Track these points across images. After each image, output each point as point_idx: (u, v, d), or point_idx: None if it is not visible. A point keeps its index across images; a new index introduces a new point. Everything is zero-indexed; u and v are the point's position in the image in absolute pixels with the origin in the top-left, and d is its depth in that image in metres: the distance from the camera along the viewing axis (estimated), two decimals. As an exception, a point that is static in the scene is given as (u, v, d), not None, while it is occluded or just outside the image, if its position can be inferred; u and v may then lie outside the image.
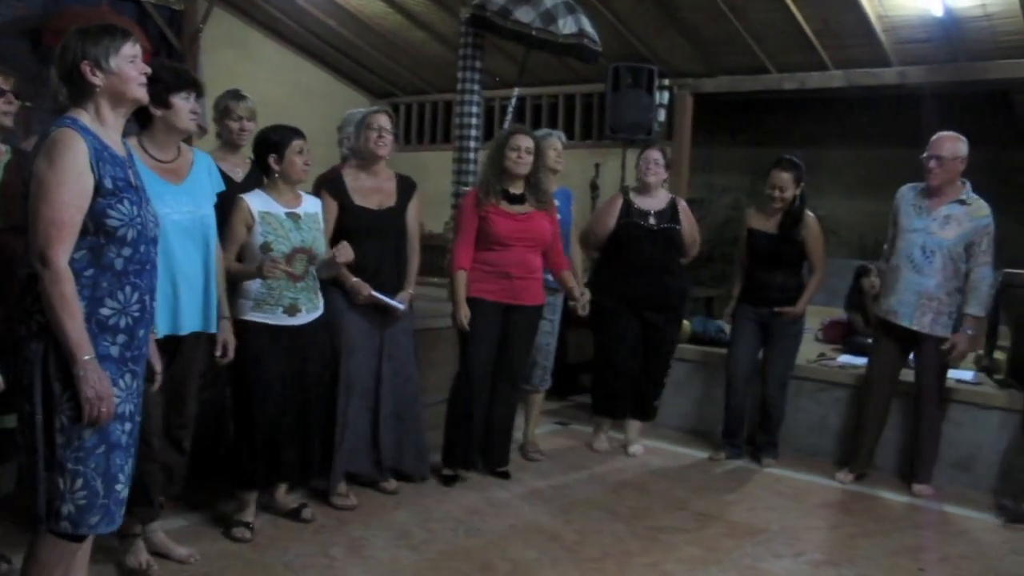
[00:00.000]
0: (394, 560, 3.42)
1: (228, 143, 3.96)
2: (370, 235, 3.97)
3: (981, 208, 4.47)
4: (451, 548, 3.58)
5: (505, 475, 4.51)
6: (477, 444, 4.43)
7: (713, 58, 7.58)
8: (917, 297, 4.48)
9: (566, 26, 5.83)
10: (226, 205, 3.44)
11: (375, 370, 4.06)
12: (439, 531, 3.75)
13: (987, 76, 6.72)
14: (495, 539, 3.70)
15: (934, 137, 4.57)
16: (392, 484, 4.19)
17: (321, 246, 3.65)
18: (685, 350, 5.73)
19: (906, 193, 4.69)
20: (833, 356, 5.50)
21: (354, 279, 3.91)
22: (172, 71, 3.04)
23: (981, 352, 5.27)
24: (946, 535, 4.06)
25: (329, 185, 4.02)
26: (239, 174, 3.89)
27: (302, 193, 3.68)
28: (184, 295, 3.09)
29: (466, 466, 4.43)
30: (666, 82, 7.83)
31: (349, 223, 3.95)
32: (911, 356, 4.68)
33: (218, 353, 3.30)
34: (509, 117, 6.74)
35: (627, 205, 4.94)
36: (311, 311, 3.62)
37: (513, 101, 6.64)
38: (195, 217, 3.13)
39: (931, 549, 3.88)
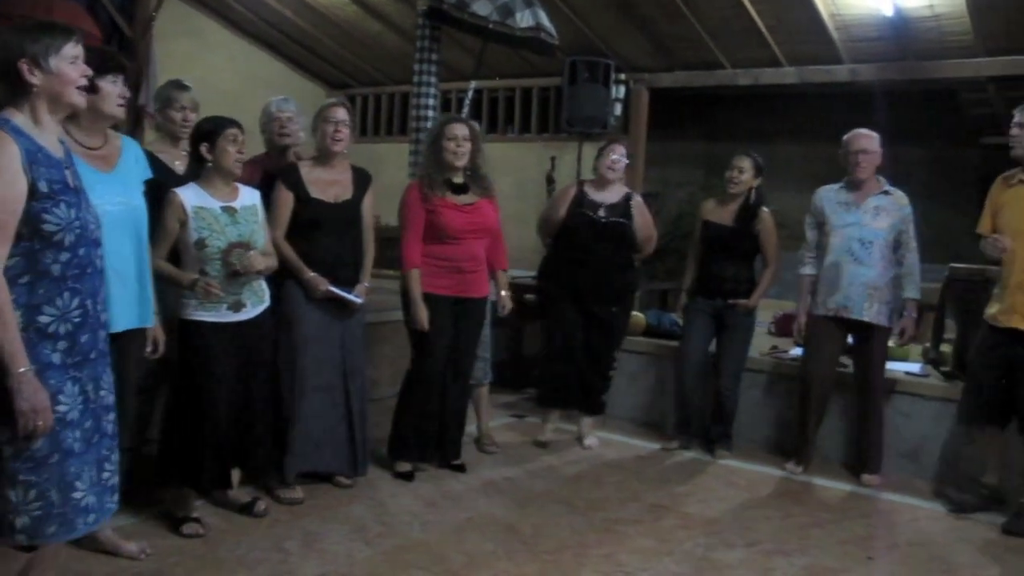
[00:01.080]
0: (349, 554, 3.41)
1: (170, 134, 3.85)
2: (326, 228, 3.94)
3: (902, 197, 4.68)
4: (407, 541, 3.57)
5: (461, 468, 4.51)
6: (431, 438, 4.42)
7: (669, 53, 7.64)
8: (864, 288, 4.58)
9: (523, 19, 5.83)
10: (163, 198, 3.35)
11: (339, 364, 4.01)
12: (394, 524, 3.75)
13: (935, 75, 6.86)
14: (451, 532, 3.71)
15: (853, 134, 4.70)
16: (351, 479, 4.15)
17: (260, 239, 3.56)
18: (639, 343, 5.77)
19: (826, 193, 4.79)
20: (785, 349, 5.58)
21: (311, 274, 3.87)
22: (99, 54, 2.89)
23: (928, 345, 5.38)
24: (895, 524, 4.15)
25: (285, 176, 3.96)
26: (179, 167, 3.78)
27: (239, 185, 3.58)
28: (117, 290, 2.97)
29: (421, 460, 4.42)
30: (622, 76, 7.89)
31: (305, 216, 3.91)
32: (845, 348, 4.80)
33: (148, 349, 3.21)
34: (466, 110, 6.72)
35: (580, 196, 4.95)
36: (256, 304, 3.55)
37: (469, 94, 6.63)
38: (128, 207, 3.04)
39: (880, 538, 3.96)
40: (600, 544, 3.65)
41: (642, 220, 5.01)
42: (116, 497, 2.45)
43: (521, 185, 8.02)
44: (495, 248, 4.50)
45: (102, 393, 2.38)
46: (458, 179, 4.32)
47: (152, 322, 3.18)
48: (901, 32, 6.47)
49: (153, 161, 3.54)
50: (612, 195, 4.96)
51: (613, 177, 4.94)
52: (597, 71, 7.62)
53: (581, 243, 4.87)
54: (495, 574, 3.31)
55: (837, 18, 6.56)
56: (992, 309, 4.17)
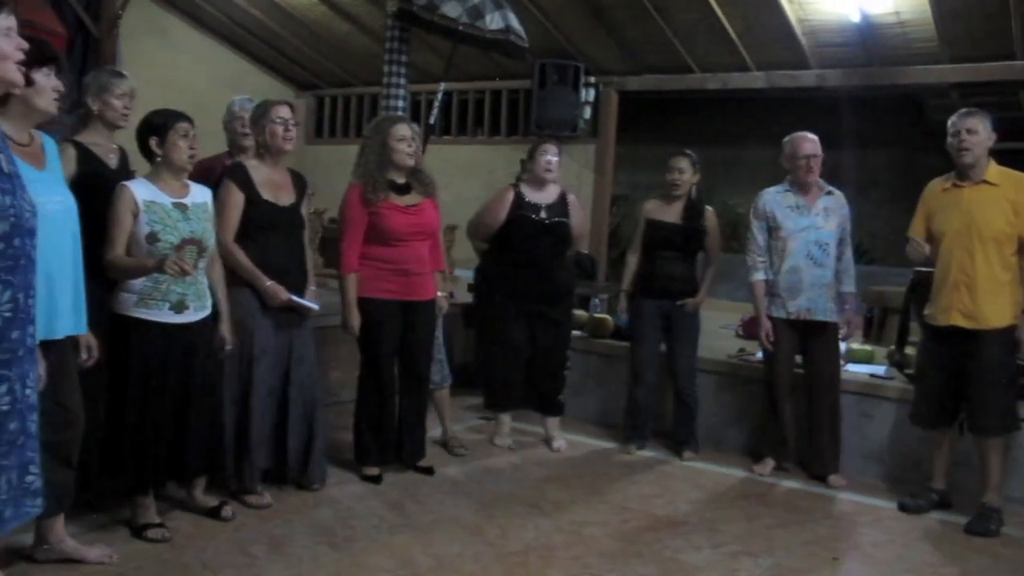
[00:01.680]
0: (315, 557, 3.38)
1: (108, 123, 3.61)
2: (277, 231, 3.86)
3: (841, 197, 4.82)
4: (373, 544, 3.55)
5: (428, 470, 4.48)
6: (392, 442, 4.40)
7: (638, 57, 7.67)
8: (824, 290, 4.67)
9: (493, 22, 5.83)
10: (98, 193, 3.26)
11: (284, 372, 3.93)
12: (361, 528, 3.72)
13: (900, 81, 6.94)
14: (418, 534, 3.69)
15: (799, 138, 4.76)
16: (315, 484, 4.10)
17: (211, 237, 3.49)
18: (603, 344, 5.80)
19: (773, 197, 4.83)
20: (753, 352, 5.61)
21: (269, 282, 3.78)
22: (32, 43, 2.64)
23: (892, 348, 5.44)
24: (859, 524, 4.18)
25: (235, 176, 3.83)
26: (113, 160, 3.63)
27: (189, 182, 3.48)
28: (60, 295, 2.84)
29: (383, 464, 4.39)
30: (592, 79, 7.90)
31: (257, 218, 3.81)
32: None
33: (83, 356, 3.08)
34: (435, 111, 6.72)
35: (518, 197, 4.94)
36: (199, 310, 3.46)
37: (439, 96, 6.62)
38: (66, 207, 2.90)
39: (845, 538, 4.00)
40: (567, 546, 3.65)
41: (578, 218, 5.06)
42: (39, 501, 2.31)
43: (490, 187, 7.93)
44: (433, 249, 4.44)
45: (28, 392, 2.23)
46: (400, 178, 4.26)
47: (86, 329, 3.03)
48: (868, 38, 6.54)
49: (86, 154, 3.44)
50: (549, 195, 4.97)
51: (550, 178, 4.95)
52: (567, 74, 7.64)
53: (525, 245, 4.87)
54: (462, 577, 3.30)
55: (805, 23, 6.62)
56: (929, 309, 4.28)
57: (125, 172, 3.62)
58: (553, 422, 5.21)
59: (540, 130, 7.68)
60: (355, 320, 4.18)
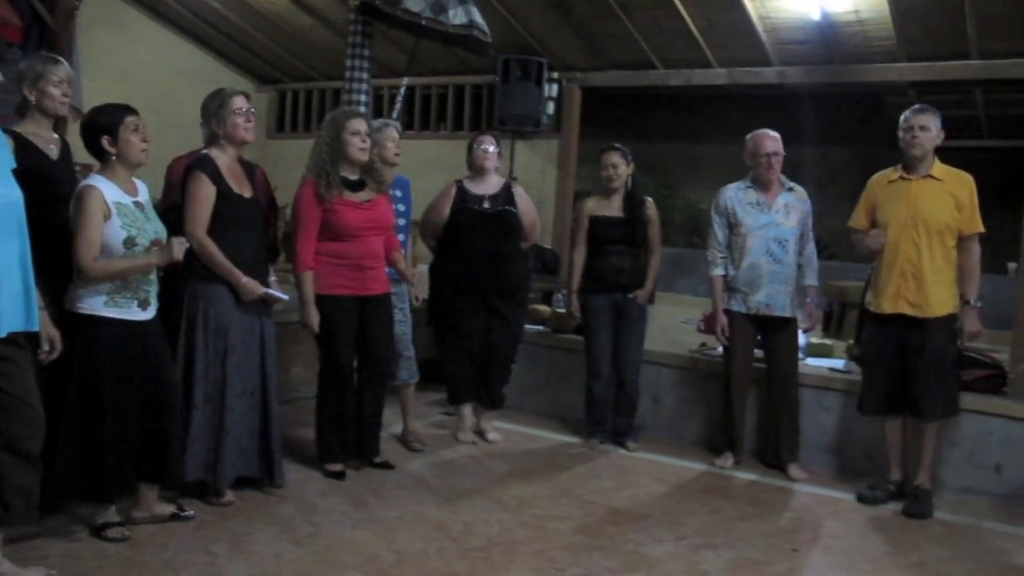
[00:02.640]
0: (278, 555, 3.36)
1: (47, 112, 3.47)
2: (246, 224, 3.83)
3: (803, 192, 4.89)
4: (336, 541, 3.54)
5: (386, 465, 4.46)
6: (353, 438, 4.37)
7: (601, 53, 7.69)
8: (783, 285, 4.73)
9: (456, 16, 5.82)
10: (45, 186, 3.19)
11: (259, 367, 3.91)
12: (324, 524, 3.71)
13: (860, 78, 7.04)
14: (381, 530, 3.68)
15: (760, 136, 4.81)
16: (279, 480, 4.05)
17: (165, 235, 3.42)
18: (564, 339, 5.83)
19: (733, 194, 4.88)
20: (714, 347, 5.65)
21: (246, 279, 3.73)
22: None
23: (851, 342, 5.50)
24: (818, 516, 4.24)
25: (206, 168, 3.76)
26: (54, 151, 3.50)
27: (134, 179, 3.41)
28: (4, 291, 2.74)
29: (346, 460, 4.37)
30: (555, 75, 7.92)
31: (228, 212, 3.75)
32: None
33: (45, 349, 3.00)
34: (398, 106, 6.69)
35: (461, 192, 4.96)
36: (153, 307, 3.42)
37: (402, 90, 6.59)
38: (8, 201, 2.81)
39: (804, 530, 4.04)
40: (531, 541, 3.66)
41: (525, 207, 5.07)
42: None
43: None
44: (388, 239, 4.42)
45: None
46: (354, 175, 4.23)
47: (37, 325, 2.93)
48: (828, 36, 6.62)
49: (25, 145, 3.32)
50: (492, 186, 5.00)
51: (489, 167, 4.98)
52: (530, 69, 7.64)
53: (471, 238, 4.88)
54: (425, 572, 3.29)
55: (766, 21, 6.68)
56: (873, 298, 4.41)
57: (67, 164, 3.53)
58: (492, 415, 5.23)
59: (503, 125, 7.69)
60: (314, 317, 4.15)
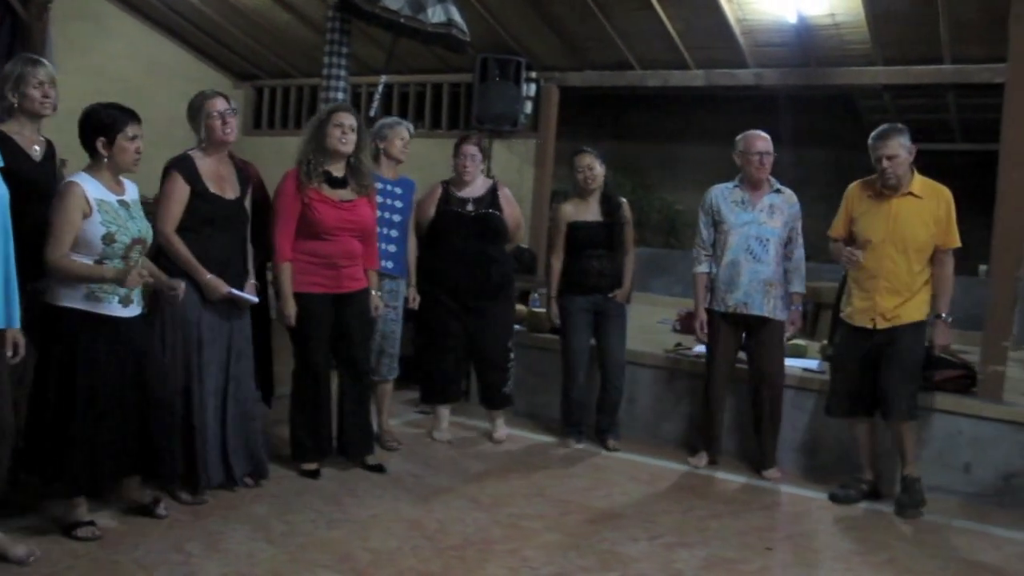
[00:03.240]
0: (252, 553, 3.35)
1: (29, 114, 3.53)
2: (221, 225, 3.82)
3: (792, 196, 4.89)
4: (311, 540, 3.53)
5: (379, 468, 4.44)
6: (328, 436, 4.36)
7: (580, 53, 7.70)
8: (762, 285, 4.74)
9: (435, 15, 5.81)
10: (26, 186, 3.19)
11: (224, 367, 3.89)
12: (298, 523, 3.70)
13: (835, 81, 7.10)
14: (356, 529, 3.68)
15: (751, 136, 4.84)
16: (248, 479, 4.05)
17: (150, 235, 3.45)
18: (544, 339, 5.83)
19: (720, 192, 4.92)
20: (689, 346, 5.69)
21: (209, 276, 3.73)
22: None
23: (825, 342, 5.55)
24: (791, 515, 4.28)
25: (181, 167, 3.77)
26: (37, 152, 3.56)
27: (122, 178, 3.42)
28: None
29: (320, 458, 4.35)
30: (533, 74, 7.91)
31: (203, 212, 3.76)
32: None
33: (8, 353, 3.01)
34: (376, 104, 6.67)
35: (445, 193, 4.98)
36: (138, 304, 3.43)
37: (380, 88, 6.58)
38: None
39: (778, 529, 4.08)
40: (505, 540, 3.67)
41: (510, 209, 5.09)
42: None
43: (430, 181, 7.96)
44: (368, 247, 4.41)
45: None
46: (338, 171, 4.23)
47: (17, 323, 2.96)
48: (804, 39, 6.66)
49: (6, 145, 3.33)
50: (477, 189, 5.02)
51: (468, 178, 4.99)
52: (508, 69, 7.64)
53: (453, 239, 4.91)
54: (400, 571, 3.29)
55: (743, 23, 6.72)
56: (848, 308, 4.46)
57: (49, 165, 3.54)
58: (497, 414, 5.23)
59: (481, 124, 7.68)
60: (291, 310, 4.14)
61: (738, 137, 4.89)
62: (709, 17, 6.62)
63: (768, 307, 4.73)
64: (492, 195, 5.02)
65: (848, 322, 4.44)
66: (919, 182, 4.31)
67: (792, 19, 6.43)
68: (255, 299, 3.92)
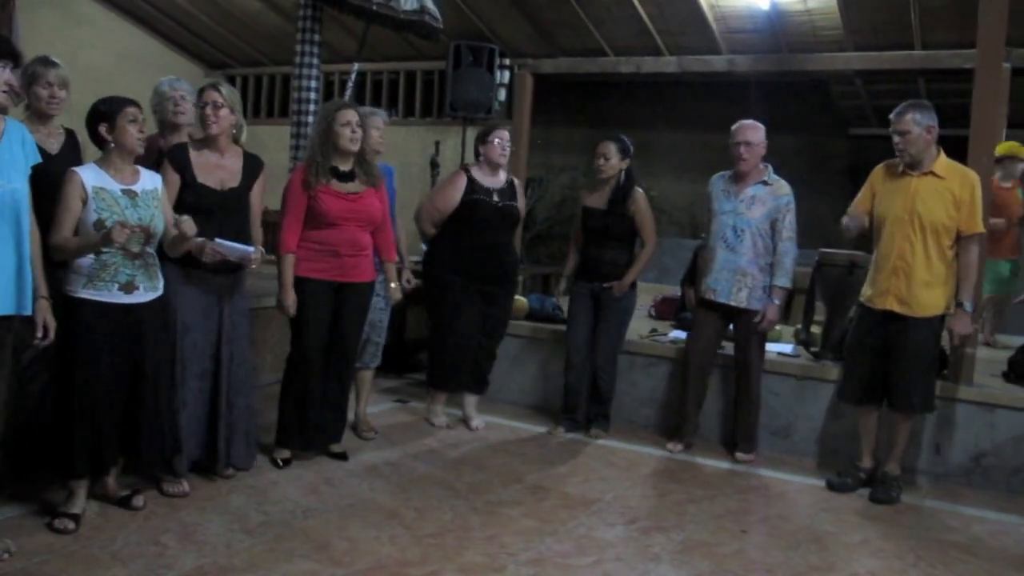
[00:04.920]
0: (228, 544, 3.34)
1: (37, 112, 3.67)
2: (210, 215, 3.78)
3: (782, 188, 4.82)
4: (288, 530, 3.52)
5: (342, 456, 4.45)
6: (315, 424, 4.36)
7: (553, 39, 7.71)
8: (732, 274, 4.77)
9: (407, 2, 5.79)
10: (41, 179, 3.21)
11: (214, 351, 3.89)
12: (275, 513, 3.69)
13: (807, 67, 7.13)
14: (333, 519, 3.67)
15: (738, 125, 4.84)
16: (229, 470, 4.04)
17: (160, 224, 3.47)
18: (521, 326, 5.83)
19: (717, 181, 4.97)
20: (665, 332, 5.72)
21: (199, 239, 3.66)
22: None
23: (799, 327, 5.60)
24: (766, 498, 4.32)
25: (173, 157, 3.83)
26: (53, 146, 3.65)
27: (140, 168, 3.49)
28: None
29: (303, 447, 4.36)
30: (507, 61, 7.91)
31: (190, 201, 3.76)
32: (729, 330, 4.99)
33: (39, 335, 3.10)
34: (349, 92, 6.64)
35: (471, 182, 4.97)
36: (149, 290, 3.45)
37: (353, 76, 6.55)
38: (3, 191, 2.93)
39: (753, 512, 4.11)
40: (483, 526, 3.68)
41: (522, 202, 5.22)
42: None
43: (404, 169, 7.96)
44: (382, 239, 4.44)
45: None
46: (345, 166, 4.25)
47: (30, 310, 3.04)
48: (776, 25, 6.70)
49: None
50: (500, 180, 5.05)
51: (503, 162, 5.03)
52: (481, 56, 7.63)
53: (481, 228, 4.92)
54: (378, 559, 3.30)
55: (716, 9, 6.75)
56: (868, 292, 4.41)
57: (69, 155, 3.61)
58: (472, 400, 5.26)
59: (455, 112, 7.67)
60: (290, 300, 4.15)
61: (733, 126, 4.89)
62: (682, 3, 6.66)
63: (738, 297, 4.75)
64: (511, 188, 5.08)
65: (868, 306, 4.39)
66: (944, 163, 4.24)
67: (764, 5, 6.47)
68: (250, 248, 3.85)
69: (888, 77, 8.02)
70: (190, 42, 9.32)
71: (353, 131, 4.19)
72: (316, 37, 6.03)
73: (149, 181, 3.51)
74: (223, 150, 3.94)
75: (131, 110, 3.39)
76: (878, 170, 4.47)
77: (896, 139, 4.22)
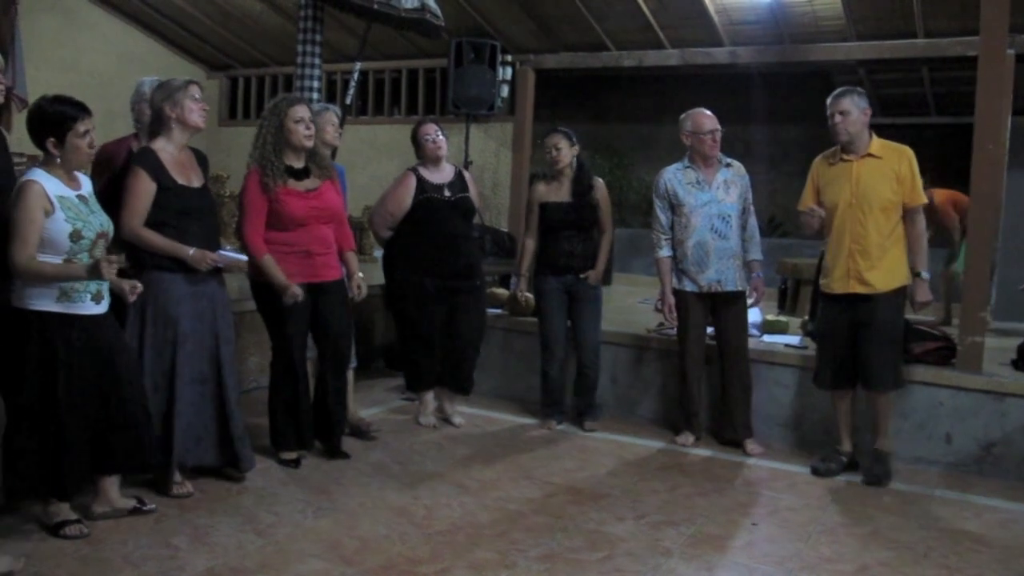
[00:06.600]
0: (240, 545, 3.34)
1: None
2: (193, 215, 3.76)
3: (740, 167, 4.97)
4: (298, 530, 3.53)
5: (343, 455, 4.43)
6: (308, 424, 4.35)
7: (554, 34, 7.70)
8: (732, 261, 4.81)
9: (408, 0, 5.78)
10: None
11: (212, 355, 3.85)
12: (286, 513, 3.69)
13: (810, 58, 7.12)
14: (343, 518, 3.68)
15: (697, 115, 4.89)
16: (240, 472, 4.02)
17: (111, 227, 3.40)
18: (515, 320, 5.85)
19: (672, 175, 4.94)
20: (672, 326, 5.70)
21: (193, 250, 3.67)
22: None
23: (806, 318, 5.59)
24: (775, 490, 4.31)
25: (144, 163, 3.69)
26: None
27: (77, 173, 3.35)
28: None
29: (301, 448, 4.34)
30: (508, 57, 7.91)
31: (173, 204, 3.69)
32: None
33: None
34: (351, 91, 6.65)
35: (420, 182, 4.95)
36: (107, 298, 3.37)
37: (355, 75, 6.55)
38: None
39: (762, 504, 4.11)
40: (493, 523, 3.68)
41: (475, 192, 5.17)
42: None
43: (407, 167, 7.97)
44: (340, 231, 4.40)
45: None
46: (298, 163, 4.20)
47: None
48: (778, 16, 6.68)
49: None
50: (447, 174, 5.04)
51: (442, 155, 5.01)
52: (483, 52, 7.63)
53: (436, 225, 4.90)
54: (389, 558, 3.30)
55: (717, 2, 6.73)
56: (825, 279, 4.52)
57: (2, 157, 3.47)
58: (458, 399, 5.25)
59: (457, 108, 7.67)
60: (295, 288, 4.08)
61: (683, 116, 4.93)
62: (683, -4, 6.64)
63: (739, 282, 4.82)
64: (460, 178, 5.07)
65: (829, 292, 4.48)
66: (878, 143, 4.39)
67: (766, -4, 6.45)
68: (244, 257, 3.87)
69: (891, 66, 7.98)
70: (192, 44, 9.33)
71: (307, 127, 4.14)
72: (317, 37, 6.03)
73: (87, 184, 3.38)
74: (183, 147, 3.85)
75: (81, 125, 3.18)
76: (816, 163, 4.62)
77: (837, 118, 4.35)
